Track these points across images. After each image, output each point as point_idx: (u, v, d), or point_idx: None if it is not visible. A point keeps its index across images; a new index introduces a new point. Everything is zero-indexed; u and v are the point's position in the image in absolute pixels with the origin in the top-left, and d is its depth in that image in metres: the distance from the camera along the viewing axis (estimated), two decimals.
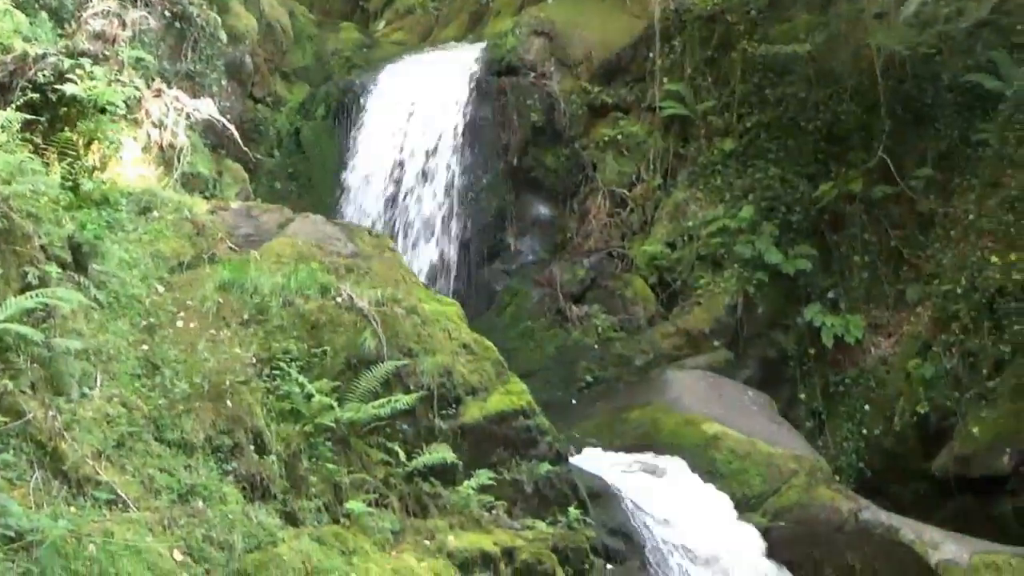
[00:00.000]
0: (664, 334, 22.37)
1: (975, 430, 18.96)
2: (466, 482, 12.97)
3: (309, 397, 11.88)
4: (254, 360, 11.98)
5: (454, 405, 13.49)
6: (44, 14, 16.56)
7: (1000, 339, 19.05)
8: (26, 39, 15.15)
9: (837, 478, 18.92)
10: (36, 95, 14.15)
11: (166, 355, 11.20)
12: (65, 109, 14.42)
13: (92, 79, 14.61)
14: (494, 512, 13.25)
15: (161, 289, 12.56)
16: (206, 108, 17.63)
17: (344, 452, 12.08)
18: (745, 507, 16.87)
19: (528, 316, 23.05)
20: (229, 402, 10.87)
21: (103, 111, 14.73)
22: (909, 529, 16.69)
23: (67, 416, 9.38)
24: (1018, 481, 18.60)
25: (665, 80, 24.74)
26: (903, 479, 20.47)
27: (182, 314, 12.21)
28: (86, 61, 14.83)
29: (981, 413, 19.11)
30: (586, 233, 24.27)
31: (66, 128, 14.30)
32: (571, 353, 22.23)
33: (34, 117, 14.00)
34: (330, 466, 11.65)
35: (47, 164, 13.53)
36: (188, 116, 17.13)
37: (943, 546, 16.36)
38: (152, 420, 10.21)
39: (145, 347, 11.21)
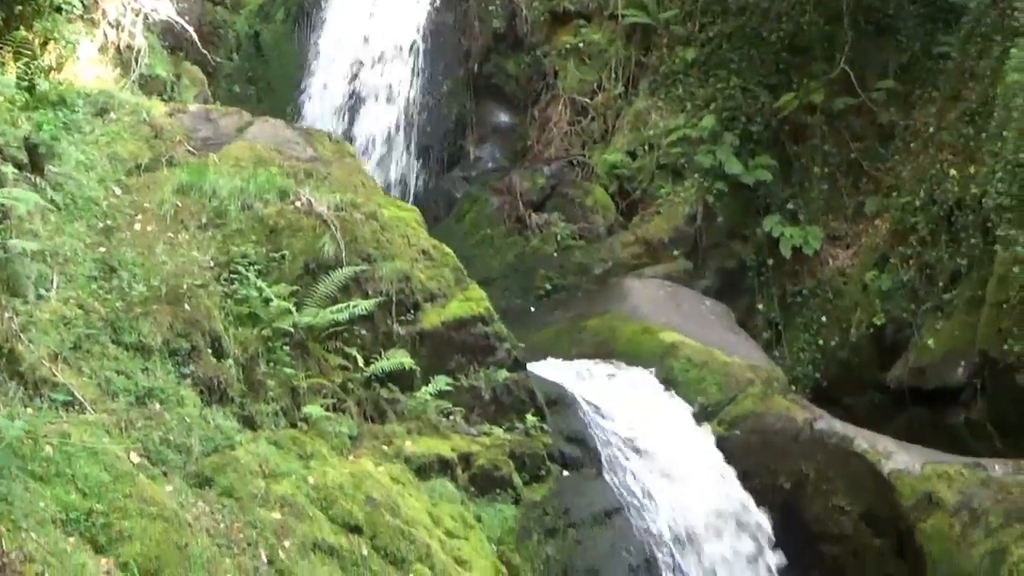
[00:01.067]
0: (624, 243, 22.38)
1: (930, 342, 19.14)
2: (424, 388, 13.00)
3: (267, 301, 11.84)
4: (212, 264, 11.92)
5: (412, 311, 13.48)
6: None
7: (957, 252, 19.18)
8: None
9: (793, 388, 19.06)
10: None
11: (123, 258, 11.12)
12: (20, 8, 14.18)
13: None
14: (451, 418, 13.30)
15: (118, 191, 12.46)
16: (164, 9, 17.46)
17: (302, 357, 12.07)
18: (702, 416, 16.98)
19: (487, 223, 22.99)
20: (187, 305, 10.82)
21: (59, 10, 14.53)
22: (863, 439, 16.84)
23: (23, 318, 9.33)
24: (971, 393, 18.80)
25: None
26: (858, 390, 20.68)
27: (140, 217, 12.12)
28: None
29: (936, 325, 19.29)
30: (546, 141, 24.19)
31: (21, 27, 14.09)
32: (530, 261, 22.23)
33: None
34: (288, 370, 11.64)
35: (2, 64, 13.36)
36: (146, 17, 16.96)
37: (896, 456, 16.53)
38: (109, 322, 10.15)
39: (102, 249, 11.13)
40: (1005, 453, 17.19)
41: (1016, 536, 15.22)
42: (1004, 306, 17.95)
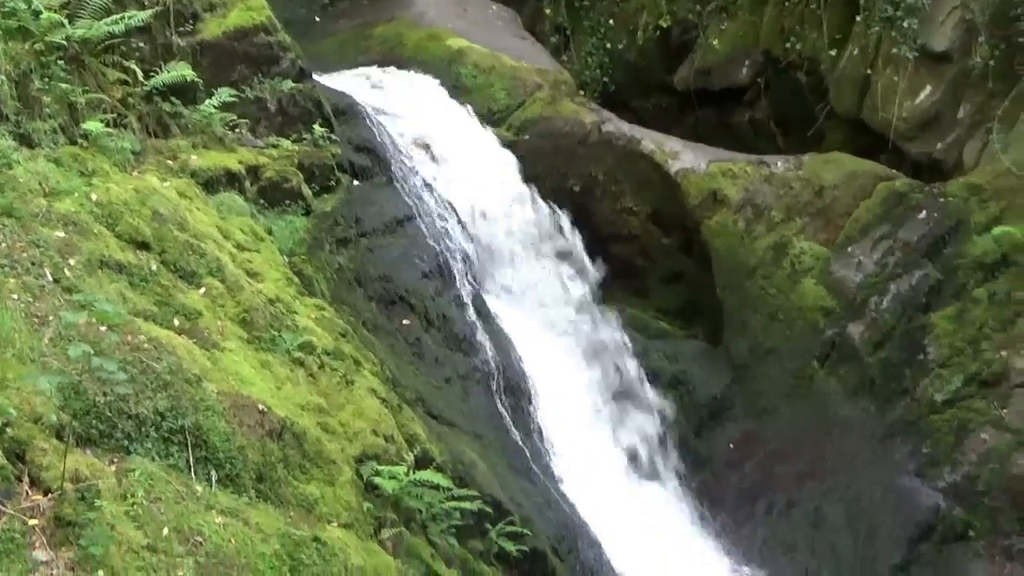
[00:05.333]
0: None
1: (715, 43, 19.38)
2: (207, 101, 12.68)
3: (37, 14, 11.27)
4: None
5: (191, 21, 13.07)
6: None
7: None
8: None
9: (582, 92, 19.17)
10: None
11: None
12: None
13: None
14: (237, 130, 13.10)
15: None
16: None
17: (78, 72, 11.62)
18: (490, 121, 17.04)
19: None
20: None
21: None
22: (650, 140, 17.13)
23: None
24: (755, 92, 19.20)
25: None
26: (646, 93, 20.94)
27: None
28: None
29: (721, 26, 19.51)
30: None
31: None
32: None
33: None
34: (64, 86, 11.19)
35: None
36: None
37: (682, 155, 16.87)
38: None
39: None
40: (787, 150, 17.72)
41: (797, 229, 15.84)
42: (786, 4, 18.26)
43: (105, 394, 7.05)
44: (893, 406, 14.64)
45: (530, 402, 13.88)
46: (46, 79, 11.09)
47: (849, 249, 15.61)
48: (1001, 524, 13.41)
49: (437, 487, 9.82)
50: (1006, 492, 13.40)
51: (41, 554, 6.00)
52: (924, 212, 15.46)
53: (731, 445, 15.59)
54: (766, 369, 15.71)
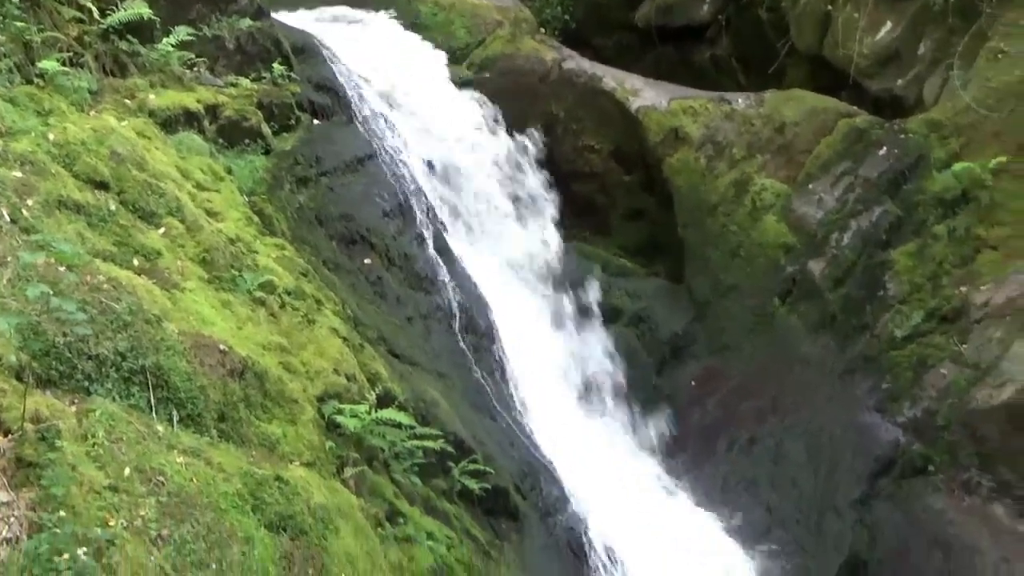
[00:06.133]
0: None
1: None
2: (165, 39, 12.55)
3: None
4: None
5: None
6: None
7: None
8: None
9: (542, 30, 19.10)
10: None
11: None
12: None
13: None
14: (196, 69, 12.98)
15: None
16: None
17: (33, 10, 11.46)
18: (451, 60, 16.97)
19: None
20: None
21: None
22: (611, 78, 17.09)
23: None
24: (716, 29, 19.16)
25: None
26: (607, 30, 20.86)
27: None
28: None
29: None
30: None
31: None
32: None
33: None
34: (19, 24, 11.05)
35: None
36: None
37: (643, 92, 16.84)
38: None
39: None
40: (748, 87, 17.73)
41: (758, 166, 15.85)
42: None
43: (65, 335, 7.00)
44: (853, 342, 14.71)
45: (493, 341, 13.88)
46: (0, 17, 10.95)
47: (810, 186, 15.64)
48: (960, 458, 13.49)
49: (399, 425, 9.82)
50: (965, 426, 13.48)
51: (2, 495, 5.97)
52: (885, 148, 15.48)
53: (693, 382, 15.66)
54: (727, 306, 15.77)
